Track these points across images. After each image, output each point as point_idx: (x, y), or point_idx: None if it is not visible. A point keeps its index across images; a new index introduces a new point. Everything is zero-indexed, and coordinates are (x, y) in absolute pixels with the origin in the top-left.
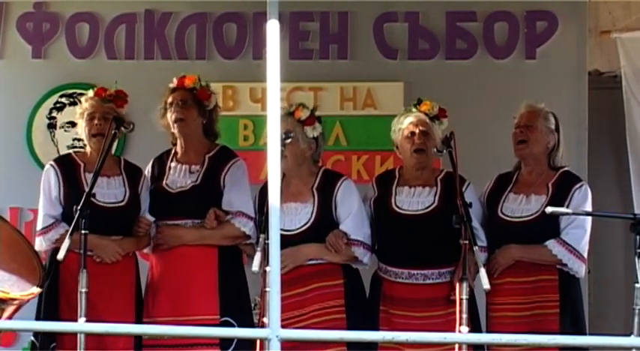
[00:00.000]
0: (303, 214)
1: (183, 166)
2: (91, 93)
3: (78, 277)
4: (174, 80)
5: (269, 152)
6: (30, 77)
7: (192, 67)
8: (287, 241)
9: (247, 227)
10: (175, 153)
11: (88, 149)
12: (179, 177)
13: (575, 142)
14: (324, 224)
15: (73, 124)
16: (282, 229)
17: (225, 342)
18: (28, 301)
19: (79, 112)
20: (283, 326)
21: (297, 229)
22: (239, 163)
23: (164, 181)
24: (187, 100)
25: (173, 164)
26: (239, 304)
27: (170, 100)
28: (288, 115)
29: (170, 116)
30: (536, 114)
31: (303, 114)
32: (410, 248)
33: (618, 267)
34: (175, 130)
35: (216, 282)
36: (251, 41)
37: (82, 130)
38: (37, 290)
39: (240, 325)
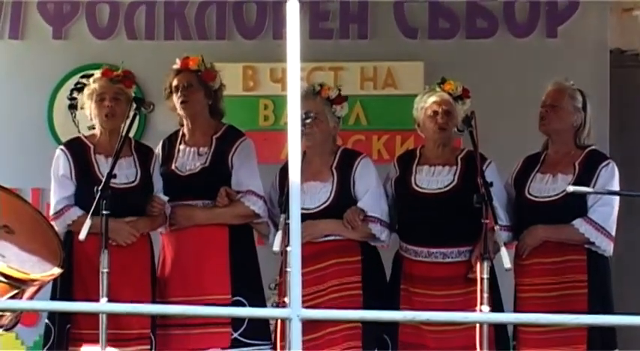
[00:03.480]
0: (322, 193)
1: (192, 149)
2: (98, 74)
3: (93, 259)
4: (178, 62)
5: (289, 132)
6: (51, 58)
7: (212, 47)
8: (307, 219)
9: (257, 206)
10: (183, 135)
11: (97, 131)
12: (188, 159)
13: (597, 120)
14: (344, 202)
15: None
16: (302, 208)
17: (236, 322)
18: (48, 282)
19: (86, 94)
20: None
21: (317, 207)
22: (246, 142)
23: (173, 164)
24: (193, 82)
25: (182, 147)
26: (251, 284)
27: (175, 83)
28: (314, 94)
29: (176, 99)
30: (562, 92)
31: (332, 93)
32: (429, 227)
33: None
34: (182, 113)
35: (228, 262)
36: (271, 21)
37: (90, 111)
38: (57, 271)
39: (252, 305)
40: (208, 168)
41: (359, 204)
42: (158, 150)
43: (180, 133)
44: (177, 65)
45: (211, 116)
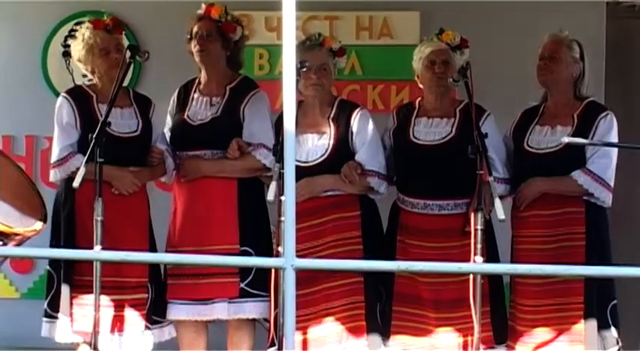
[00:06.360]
0: (320, 145)
1: (205, 98)
2: (90, 26)
3: (91, 206)
4: (203, 6)
5: (284, 82)
6: (45, 4)
7: None
8: (304, 172)
9: (268, 160)
10: (199, 83)
11: (97, 81)
12: (200, 109)
13: (593, 72)
14: (341, 155)
15: None
16: (299, 161)
17: (244, 272)
18: (29, 237)
19: (85, 48)
20: (299, 257)
21: (315, 160)
22: (259, 94)
23: (186, 113)
24: (212, 32)
25: (196, 95)
26: (259, 235)
27: (195, 29)
28: (317, 45)
29: (193, 47)
30: (559, 44)
31: (335, 45)
32: (426, 178)
33: (639, 198)
34: (198, 61)
35: (236, 213)
36: None
37: (88, 62)
38: (39, 226)
39: (260, 255)
40: (219, 118)
41: (356, 157)
42: (174, 98)
43: (197, 81)
44: (201, 10)
45: (229, 66)
